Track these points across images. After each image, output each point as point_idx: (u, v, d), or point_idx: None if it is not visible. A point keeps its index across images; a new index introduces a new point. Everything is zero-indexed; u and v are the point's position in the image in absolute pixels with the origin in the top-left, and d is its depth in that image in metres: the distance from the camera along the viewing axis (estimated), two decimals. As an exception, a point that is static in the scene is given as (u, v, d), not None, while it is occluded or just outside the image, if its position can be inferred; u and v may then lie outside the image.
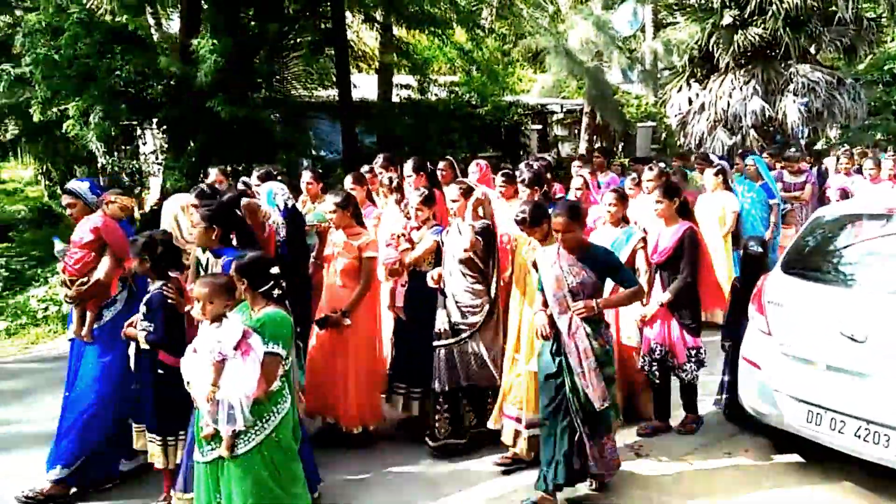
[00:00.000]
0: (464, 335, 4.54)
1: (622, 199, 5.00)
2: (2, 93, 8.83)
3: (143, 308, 3.83)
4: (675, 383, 4.94)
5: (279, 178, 6.06)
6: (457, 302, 4.56)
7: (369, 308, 4.97)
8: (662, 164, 8.10)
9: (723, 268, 7.23)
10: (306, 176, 6.22)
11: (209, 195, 4.73)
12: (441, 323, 4.61)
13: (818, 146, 15.80)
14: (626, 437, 4.78)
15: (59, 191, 18.05)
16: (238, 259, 3.40)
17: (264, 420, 3.19)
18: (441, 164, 6.76)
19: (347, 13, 12.43)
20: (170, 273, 3.87)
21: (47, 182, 18.67)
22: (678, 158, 10.15)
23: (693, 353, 4.75)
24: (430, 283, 4.70)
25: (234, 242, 4.10)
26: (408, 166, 6.18)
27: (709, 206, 7.38)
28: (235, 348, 3.09)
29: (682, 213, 4.81)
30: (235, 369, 3.09)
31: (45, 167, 17.93)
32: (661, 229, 4.83)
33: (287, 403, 3.32)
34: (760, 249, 5.18)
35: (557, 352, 3.90)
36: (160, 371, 3.80)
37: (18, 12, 13.23)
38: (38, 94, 8.71)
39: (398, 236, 5.05)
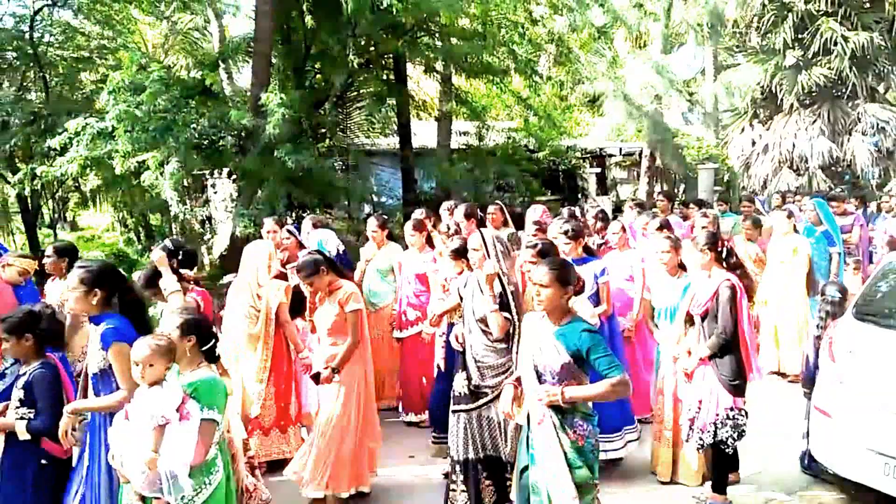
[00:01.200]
0: (484, 399, 4.13)
1: (676, 244, 4.86)
2: (86, 146, 9.35)
3: (18, 393, 3.41)
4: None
5: (331, 224, 6.34)
6: (477, 361, 4.16)
7: (361, 362, 4.67)
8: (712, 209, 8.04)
9: (800, 313, 7.04)
10: (372, 224, 6.33)
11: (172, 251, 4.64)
12: (460, 386, 4.21)
13: (889, 186, 15.28)
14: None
15: (133, 237, 18.95)
16: (184, 317, 3.21)
17: (195, 492, 2.99)
18: (491, 209, 6.80)
19: (408, 64, 12.80)
20: (48, 352, 3.52)
21: (123, 229, 19.57)
22: (749, 203, 9.88)
23: (730, 414, 4.32)
24: (454, 345, 4.50)
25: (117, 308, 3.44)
26: (458, 212, 6.27)
27: (780, 249, 7.22)
28: (176, 412, 2.95)
29: (728, 263, 4.53)
30: (177, 435, 2.94)
31: (121, 215, 18.82)
32: (702, 280, 4.61)
33: (220, 474, 3.12)
34: (840, 296, 4.97)
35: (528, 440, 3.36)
36: (43, 463, 3.38)
37: (102, 69, 14.15)
38: (118, 146, 9.22)
39: (444, 285, 5.02)
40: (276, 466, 5.06)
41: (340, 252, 5.28)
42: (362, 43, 11.38)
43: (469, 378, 4.16)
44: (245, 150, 10.22)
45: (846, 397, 4.31)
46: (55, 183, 12.59)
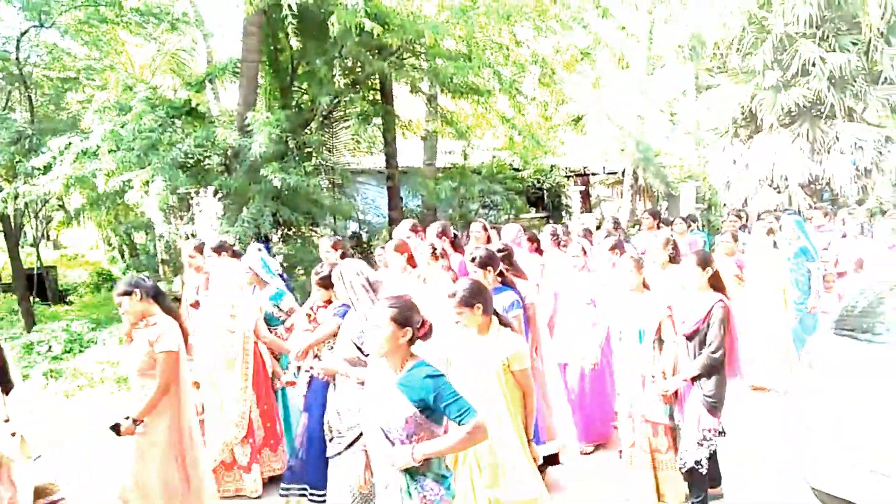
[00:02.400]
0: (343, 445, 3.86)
1: (639, 263, 4.80)
2: (70, 164, 9.35)
3: None
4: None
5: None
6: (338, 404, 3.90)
7: (172, 413, 4.11)
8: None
9: (778, 328, 7.16)
10: (324, 245, 6.07)
11: None
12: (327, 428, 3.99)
13: (867, 205, 15.55)
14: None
15: (117, 255, 18.85)
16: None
17: None
18: (475, 227, 6.85)
19: (394, 84, 12.93)
20: None
21: (107, 248, 19.48)
22: (738, 217, 10.00)
23: (709, 435, 4.36)
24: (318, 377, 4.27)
25: None
26: (431, 231, 6.25)
27: (760, 267, 7.34)
28: None
29: (715, 285, 4.54)
30: None
31: (105, 233, 18.74)
32: (692, 299, 4.58)
33: None
34: None
35: None
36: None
37: (88, 89, 14.17)
38: (102, 165, 9.22)
39: (308, 315, 4.69)
40: (265, 485, 5.18)
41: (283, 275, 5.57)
42: (349, 64, 11.49)
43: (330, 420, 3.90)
44: (231, 168, 10.26)
45: (824, 410, 4.39)
46: (38, 201, 12.55)
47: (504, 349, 3.70)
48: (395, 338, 2.87)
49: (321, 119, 11.43)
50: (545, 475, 4.75)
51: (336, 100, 11.56)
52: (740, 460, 5.35)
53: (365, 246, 13.89)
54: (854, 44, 15.49)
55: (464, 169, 14.06)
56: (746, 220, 10.50)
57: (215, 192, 10.65)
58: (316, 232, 12.66)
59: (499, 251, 4.95)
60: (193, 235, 12.72)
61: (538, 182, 16.73)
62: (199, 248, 6.36)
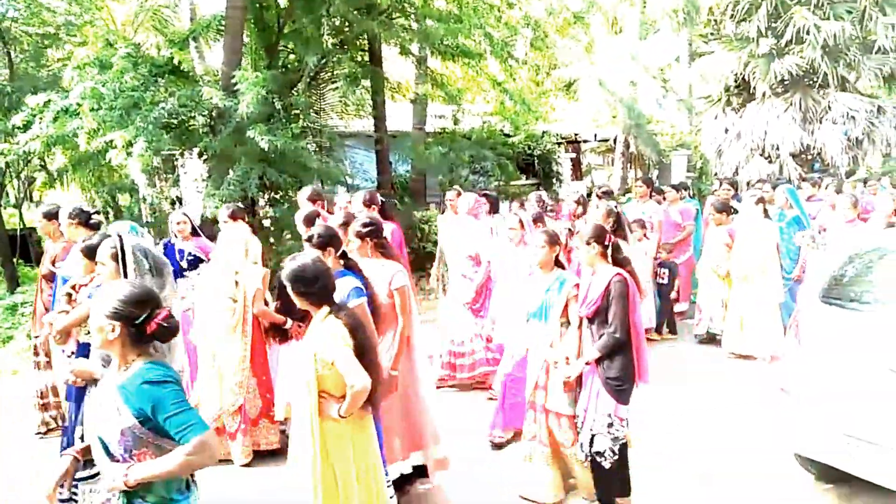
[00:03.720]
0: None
1: (553, 241, 4.39)
2: (50, 123, 9.12)
3: None
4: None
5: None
6: None
7: None
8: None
9: (767, 296, 7.16)
10: (223, 214, 6.20)
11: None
12: None
13: (858, 174, 15.55)
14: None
15: (101, 218, 18.59)
16: None
17: None
18: (449, 195, 6.70)
19: (384, 46, 12.67)
20: None
21: (91, 209, 19.21)
22: (731, 185, 9.94)
23: (609, 421, 3.99)
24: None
25: None
26: (357, 199, 5.99)
27: (750, 236, 7.31)
28: None
29: (615, 258, 4.14)
30: None
31: (89, 195, 18.46)
32: (590, 277, 4.23)
33: None
34: None
35: None
36: None
37: (68, 46, 13.80)
38: (84, 124, 9.00)
39: (67, 294, 4.15)
40: (261, 457, 5.11)
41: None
42: (336, 23, 11.22)
43: None
44: (216, 130, 10.04)
45: (812, 379, 4.38)
46: (20, 162, 12.29)
47: (317, 344, 3.16)
48: (108, 331, 2.41)
49: (308, 80, 11.19)
50: (411, 489, 4.40)
51: (323, 60, 11.31)
52: (725, 428, 5.37)
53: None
54: (849, 12, 15.34)
55: (454, 134, 13.89)
56: (737, 189, 10.49)
57: (200, 154, 10.45)
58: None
59: (364, 226, 4.29)
60: (179, 198, 12.57)
61: (529, 148, 16.57)
62: (52, 215, 5.68)
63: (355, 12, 10.86)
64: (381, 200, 5.95)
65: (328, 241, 3.92)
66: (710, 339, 7.92)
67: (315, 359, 3.13)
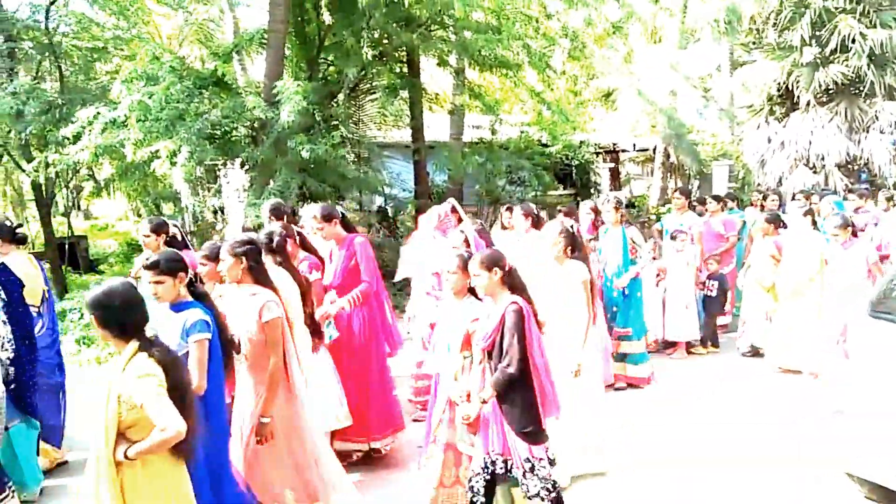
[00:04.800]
0: None
1: (465, 264, 4.00)
2: (99, 134, 9.39)
3: None
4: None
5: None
6: None
7: None
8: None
9: (813, 308, 6.98)
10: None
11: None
12: None
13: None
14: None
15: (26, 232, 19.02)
16: None
17: None
18: (443, 209, 6.31)
19: (422, 57, 12.76)
20: None
21: (136, 218, 19.67)
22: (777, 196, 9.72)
23: (530, 466, 3.64)
24: None
25: None
26: (309, 212, 5.53)
27: (798, 248, 7.14)
28: None
29: (511, 285, 3.79)
30: None
31: (134, 204, 18.91)
32: (487, 307, 3.88)
33: None
34: None
35: None
36: None
37: (116, 59, 14.20)
38: (130, 135, 9.26)
39: None
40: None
41: None
42: (376, 35, 11.35)
43: None
44: (258, 140, 10.23)
45: (860, 394, 4.27)
46: (69, 171, 12.65)
47: (122, 384, 2.74)
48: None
49: (348, 91, 11.35)
50: None
51: (363, 72, 11.45)
52: (774, 446, 5.26)
53: (390, 220, 13.83)
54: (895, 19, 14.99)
55: (491, 144, 13.90)
56: (782, 201, 10.27)
57: (242, 164, 10.65)
58: (342, 205, 12.63)
59: (241, 244, 3.85)
60: (221, 208, 12.81)
61: (566, 158, 16.49)
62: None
63: (394, 25, 10.98)
64: (341, 213, 5.35)
65: (174, 267, 3.45)
66: (755, 352, 7.76)
67: (119, 401, 2.69)
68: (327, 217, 5.17)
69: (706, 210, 9.20)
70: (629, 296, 6.94)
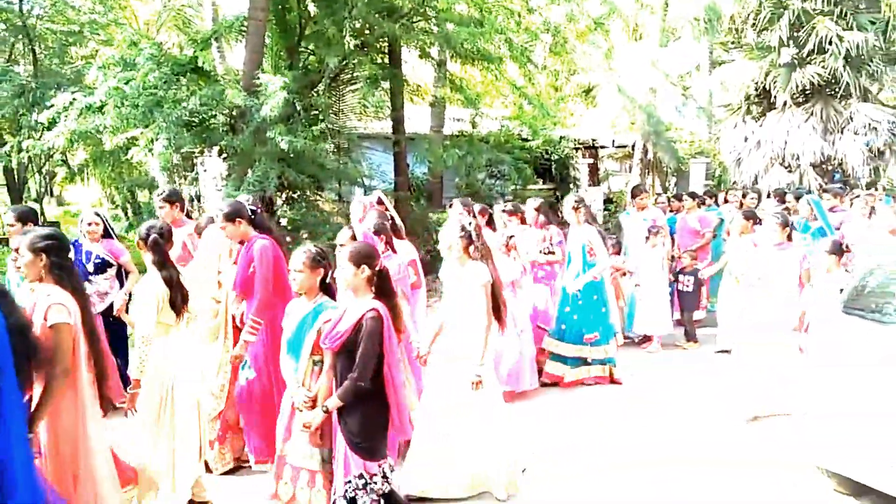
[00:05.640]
0: None
1: (315, 263, 3.71)
2: (74, 120, 9.25)
3: None
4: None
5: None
6: None
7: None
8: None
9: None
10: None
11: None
12: None
13: (880, 185, 15.40)
14: None
15: (121, 214, 18.80)
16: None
17: None
18: (368, 199, 6.19)
19: (404, 48, 12.71)
20: None
21: (111, 205, 19.40)
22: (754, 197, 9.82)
23: (363, 483, 3.45)
24: None
25: None
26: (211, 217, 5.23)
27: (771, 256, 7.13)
28: None
29: (380, 288, 3.57)
30: None
31: (108, 191, 18.65)
32: (346, 305, 3.63)
33: None
34: None
35: None
36: None
37: (92, 44, 13.98)
38: (107, 122, 9.12)
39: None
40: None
41: None
42: (357, 25, 11.28)
43: None
44: (236, 129, 10.13)
45: (832, 390, 4.34)
46: (42, 157, 12.46)
47: None
48: None
49: (328, 81, 11.26)
50: None
51: (344, 62, 11.37)
52: (748, 446, 5.33)
53: (369, 212, 13.77)
54: (872, 22, 15.22)
55: (472, 137, 13.90)
56: (760, 199, 10.36)
57: (220, 152, 10.54)
58: (321, 196, 12.55)
59: (42, 238, 3.42)
60: (197, 195, 12.67)
61: (546, 153, 16.56)
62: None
63: (376, 15, 10.92)
64: (252, 209, 4.86)
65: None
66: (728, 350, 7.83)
67: None
68: (230, 216, 4.67)
69: (682, 207, 9.30)
70: (584, 299, 6.68)
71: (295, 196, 11.19)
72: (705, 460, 5.08)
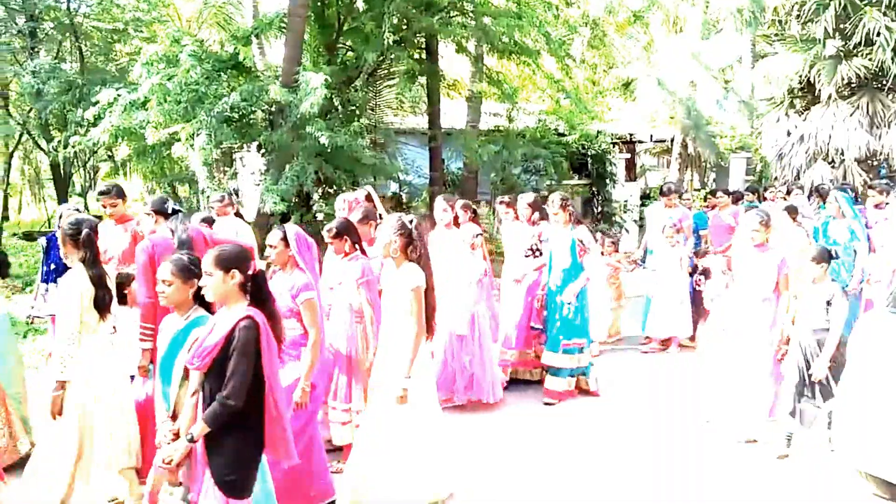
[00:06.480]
0: None
1: (186, 274, 3.25)
2: (119, 116, 9.47)
3: None
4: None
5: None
6: None
7: None
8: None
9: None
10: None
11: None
12: None
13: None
14: None
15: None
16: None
17: None
18: (352, 196, 6.14)
19: (440, 43, 12.72)
20: None
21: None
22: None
23: None
24: None
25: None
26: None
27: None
28: None
29: (256, 296, 3.08)
30: None
31: (150, 185, 19.05)
32: (217, 318, 3.11)
33: None
34: None
35: None
36: None
37: (136, 41, 14.28)
38: (150, 117, 9.33)
39: None
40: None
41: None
42: (395, 20, 11.33)
43: None
44: (275, 124, 10.26)
45: (878, 390, 4.25)
46: (87, 152, 12.77)
47: None
48: None
49: (366, 77, 11.33)
50: None
51: (381, 57, 11.43)
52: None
53: (405, 207, 13.84)
54: (922, 13, 14.74)
55: (508, 132, 13.85)
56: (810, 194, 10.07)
57: (259, 148, 10.69)
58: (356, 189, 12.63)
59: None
60: (236, 191, 12.88)
61: (583, 148, 16.40)
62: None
63: (414, 10, 10.94)
64: (174, 208, 4.79)
65: None
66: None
67: None
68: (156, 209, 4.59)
69: (718, 203, 9.10)
70: (578, 305, 6.25)
71: (331, 191, 11.29)
72: (739, 460, 5.01)
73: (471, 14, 11.88)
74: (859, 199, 9.35)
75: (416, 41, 12.48)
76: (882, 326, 4.46)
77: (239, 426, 2.91)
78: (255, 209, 10.67)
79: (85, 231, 3.90)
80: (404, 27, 11.56)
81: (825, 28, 15.20)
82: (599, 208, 17.19)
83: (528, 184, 15.28)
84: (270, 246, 4.12)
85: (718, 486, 4.62)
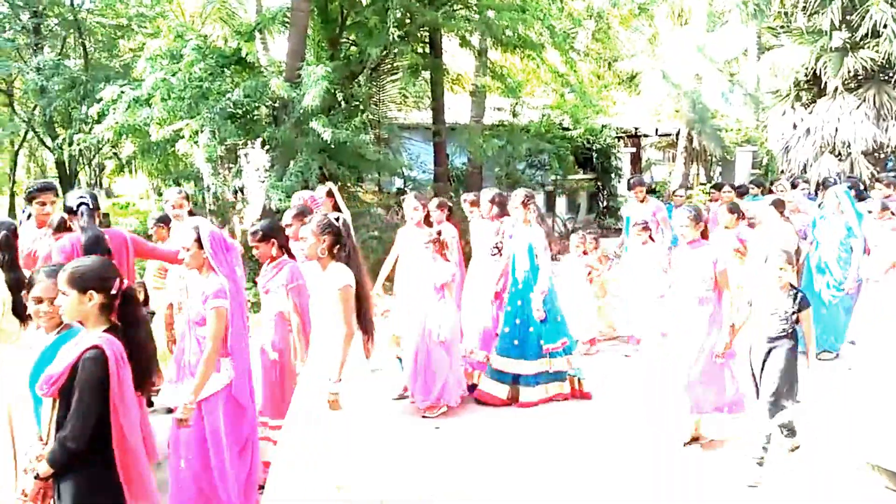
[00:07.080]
0: None
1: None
2: (123, 113, 9.45)
3: None
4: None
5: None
6: None
7: None
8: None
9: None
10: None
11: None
12: None
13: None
14: None
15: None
16: None
17: None
18: (318, 193, 6.06)
19: (444, 37, 12.67)
20: None
21: (157, 197, 19.83)
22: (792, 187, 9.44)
23: None
24: None
25: None
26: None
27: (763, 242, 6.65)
28: None
29: (123, 311, 2.78)
30: None
31: (155, 183, 19.06)
32: (77, 340, 2.78)
33: None
34: None
35: None
36: None
37: (139, 37, 14.27)
38: (154, 114, 9.31)
39: None
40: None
41: None
42: (399, 14, 11.30)
43: None
44: (279, 120, 10.24)
45: (890, 384, 4.22)
46: (92, 149, 12.77)
47: None
48: None
49: (369, 72, 11.30)
50: None
51: (385, 52, 11.39)
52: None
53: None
54: (931, 4, 14.60)
55: (512, 126, 13.81)
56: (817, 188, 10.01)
57: (263, 144, 10.67)
58: (361, 187, 12.62)
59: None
60: (241, 188, 12.86)
61: (588, 142, 16.35)
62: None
63: (417, 4, 10.90)
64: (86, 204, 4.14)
65: None
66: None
67: None
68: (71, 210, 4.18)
69: (721, 197, 9.03)
70: (549, 307, 6.01)
71: (336, 186, 11.28)
72: (743, 455, 4.98)
73: (474, 7, 11.83)
74: (867, 192, 9.25)
75: (419, 35, 12.44)
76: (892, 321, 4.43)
77: (84, 469, 2.62)
78: (261, 206, 10.65)
79: (2, 233, 3.63)
80: (408, 21, 11.52)
81: (831, 20, 15.08)
82: (605, 203, 17.16)
83: (533, 178, 15.25)
84: (184, 248, 3.79)
85: (720, 486, 4.60)
